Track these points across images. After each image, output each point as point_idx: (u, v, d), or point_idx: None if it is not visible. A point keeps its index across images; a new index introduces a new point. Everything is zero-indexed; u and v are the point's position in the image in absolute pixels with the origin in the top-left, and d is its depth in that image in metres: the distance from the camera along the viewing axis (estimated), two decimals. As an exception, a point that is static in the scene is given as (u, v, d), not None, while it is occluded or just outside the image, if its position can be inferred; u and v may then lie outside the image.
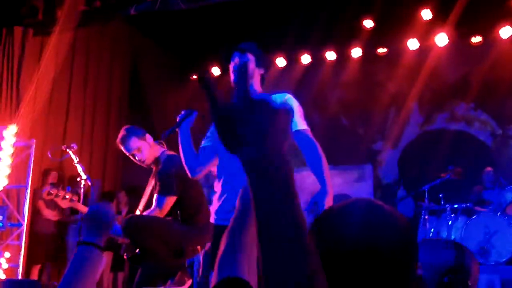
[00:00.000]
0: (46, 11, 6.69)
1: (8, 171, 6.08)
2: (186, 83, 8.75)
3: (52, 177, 6.60)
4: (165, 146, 3.97)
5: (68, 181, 6.32)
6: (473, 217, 6.13)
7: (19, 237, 6.11)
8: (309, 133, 2.96)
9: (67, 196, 3.97)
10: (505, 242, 5.83)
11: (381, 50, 8.34)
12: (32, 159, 6.26)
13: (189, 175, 3.13)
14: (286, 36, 7.70)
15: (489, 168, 6.84)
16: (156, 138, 3.96)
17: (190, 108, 3.21)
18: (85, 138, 7.62)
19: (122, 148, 3.90)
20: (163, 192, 3.75)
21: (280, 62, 8.64)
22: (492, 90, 7.76)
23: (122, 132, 3.89)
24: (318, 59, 8.57)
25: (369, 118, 8.53)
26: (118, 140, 3.89)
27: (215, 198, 3.06)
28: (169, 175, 3.72)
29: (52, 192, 3.91)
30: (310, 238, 0.89)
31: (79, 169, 4.32)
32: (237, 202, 1.27)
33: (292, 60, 8.64)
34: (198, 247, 3.89)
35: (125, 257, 3.84)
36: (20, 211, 6.22)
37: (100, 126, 7.94)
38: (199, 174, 3.15)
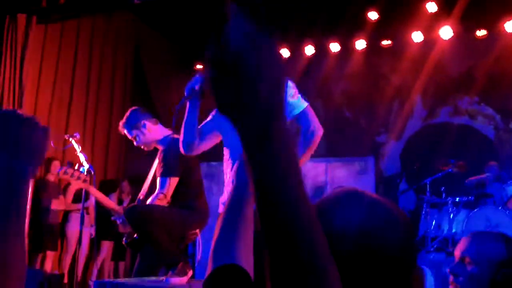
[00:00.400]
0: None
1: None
2: (190, 73, 8.73)
3: (55, 166, 6.61)
4: (171, 130, 3.96)
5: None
6: (475, 210, 6.14)
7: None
8: (308, 112, 2.96)
9: (81, 177, 4.06)
10: (506, 236, 5.83)
11: (386, 42, 8.32)
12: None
13: (184, 149, 3.06)
14: (290, 27, 7.68)
15: (493, 162, 6.84)
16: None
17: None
18: (87, 127, 7.62)
19: (124, 132, 3.94)
20: (166, 174, 3.77)
21: (284, 53, 8.61)
22: (496, 84, 7.73)
23: (124, 117, 3.95)
24: (322, 50, 8.55)
25: (373, 111, 8.51)
26: (119, 124, 3.94)
27: (226, 184, 3.05)
28: (172, 157, 3.73)
29: (68, 172, 4.04)
30: None
31: (82, 158, 4.33)
32: (232, 178, 1.21)
33: (296, 51, 8.61)
34: (197, 231, 3.95)
35: (123, 242, 3.86)
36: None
37: (103, 116, 7.93)
38: (194, 151, 3.11)
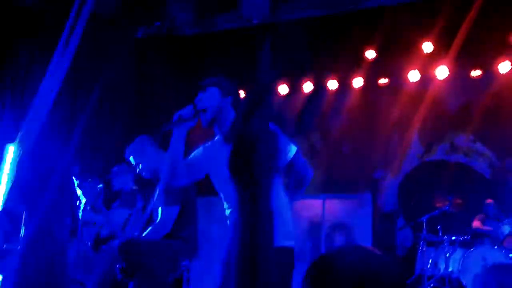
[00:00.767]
0: (55, 21, 6.77)
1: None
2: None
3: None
4: None
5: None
6: (471, 249, 6.15)
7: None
8: (299, 157, 3.01)
9: None
10: (502, 275, 5.82)
11: (383, 81, 8.45)
12: (32, 179, 6.27)
13: (169, 182, 3.03)
14: (289, 65, 7.81)
15: (490, 200, 6.87)
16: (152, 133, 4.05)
17: (196, 109, 2.97)
18: (86, 153, 7.63)
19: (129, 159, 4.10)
20: (169, 203, 3.81)
21: (283, 89, 8.73)
22: (491, 123, 7.83)
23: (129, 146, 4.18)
24: (320, 87, 8.67)
25: (370, 147, 8.59)
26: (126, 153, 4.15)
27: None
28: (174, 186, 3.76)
29: None
30: (305, 284, 0.97)
31: (79, 192, 4.37)
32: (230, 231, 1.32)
33: (295, 87, 8.74)
34: (188, 260, 3.98)
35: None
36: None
37: (104, 145, 7.98)
38: (180, 185, 3.10)
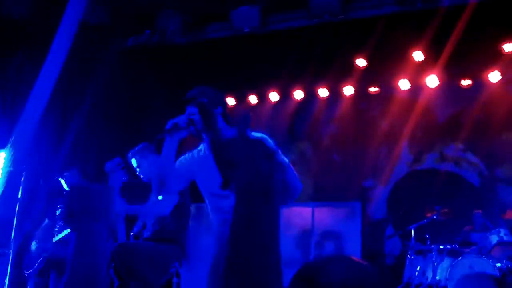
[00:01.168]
0: (45, 34, 6.80)
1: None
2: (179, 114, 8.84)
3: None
4: None
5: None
6: (459, 258, 6.17)
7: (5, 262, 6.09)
8: (291, 167, 3.03)
9: None
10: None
11: (373, 89, 8.49)
12: (23, 185, 6.28)
13: (159, 188, 3.07)
14: (280, 72, 7.85)
15: (478, 211, 6.91)
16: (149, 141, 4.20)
17: (191, 118, 2.97)
18: (77, 159, 7.63)
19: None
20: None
21: (273, 96, 8.76)
22: (481, 132, 7.89)
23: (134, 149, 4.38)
24: (311, 95, 8.71)
25: (361, 155, 8.62)
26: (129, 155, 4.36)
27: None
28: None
29: None
30: None
31: (70, 199, 4.37)
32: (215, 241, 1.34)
33: (285, 95, 8.77)
34: (178, 264, 4.05)
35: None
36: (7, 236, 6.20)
37: (94, 152, 7.97)
38: (170, 192, 3.15)
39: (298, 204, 6.84)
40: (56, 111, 7.40)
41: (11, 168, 6.33)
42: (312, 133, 8.77)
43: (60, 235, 4.79)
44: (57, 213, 5.18)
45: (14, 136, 6.49)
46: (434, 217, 6.52)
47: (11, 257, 6.11)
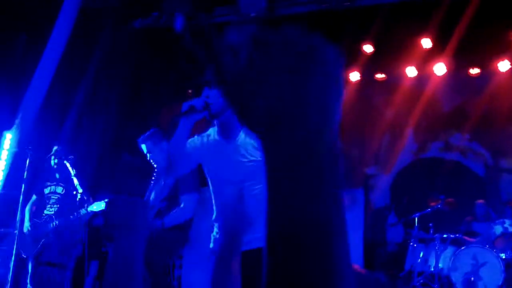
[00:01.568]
0: (47, 17, 6.76)
1: (1, 177, 6.10)
2: (184, 97, 8.81)
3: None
4: None
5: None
6: (462, 248, 6.17)
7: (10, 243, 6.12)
8: None
9: None
10: (492, 274, 5.87)
11: (380, 76, 8.42)
12: (28, 165, 6.28)
13: (163, 170, 3.07)
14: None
15: (480, 201, 6.89)
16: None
17: (207, 102, 2.92)
18: (80, 146, 7.62)
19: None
20: (187, 190, 4.03)
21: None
22: (488, 122, 7.84)
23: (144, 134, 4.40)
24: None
25: (364, 142, 8.58)
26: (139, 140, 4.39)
27: (214, 219, 3.09)
28: (191, 176, 3.91)
29: None
30: None
31: (76, 182, 4.37)
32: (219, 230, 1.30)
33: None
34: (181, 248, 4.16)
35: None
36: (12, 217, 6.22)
37: (97, 135, 7.96)
38: (180, 174, 3.12)
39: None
40: (59, 92, 7.37)
41: (17, 149, 6.33)
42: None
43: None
44: (46, 191, 5.18)
45: (19, 118, 6.48)
46: (439, 206, 6.50)
47: (16, 237, 6.14)
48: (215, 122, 3.05)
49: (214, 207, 3.07)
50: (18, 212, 6.22)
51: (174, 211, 4.14)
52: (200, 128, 3.08)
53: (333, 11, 6.96)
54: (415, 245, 6.63)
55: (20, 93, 6.58)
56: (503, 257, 5.94)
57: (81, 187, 4.63)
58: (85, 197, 4.46)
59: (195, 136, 3.15)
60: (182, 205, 4.13)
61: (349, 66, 8.26)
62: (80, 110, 7.73)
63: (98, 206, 4.59)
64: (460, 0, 6.65)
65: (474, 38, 6.99)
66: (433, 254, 6.44)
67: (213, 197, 3.09)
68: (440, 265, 6.30)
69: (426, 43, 7.52)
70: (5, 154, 6.16)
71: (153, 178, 4.56)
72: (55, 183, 5.10)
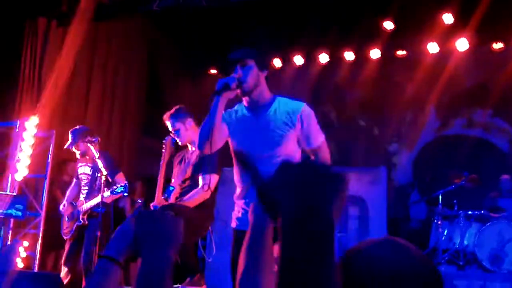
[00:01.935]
0: (69, 2, 6.78)
1: (28, 161, 6.18)
2: (202, 78, 8.81)
3: (70, 167, 6.69)
4: None
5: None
6: (487, 224, 6.13)
7: (37, 226, 6.21)
8: (322, 149, 3.02)
9: None
10: (518, 250, 5.84)
11: (401, 53, 8.30)
12: (52, 149, 6.35)
13: (201, 146, 3.02)
14: (305, 34, 7.70)
15: (506, 176, 6.81)
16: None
17: (239, 80, 2.95)
18: (102, 128, 7.70)
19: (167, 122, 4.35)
20: (210, 171, 4.07)
21: (298, 60, 8.63)
22: (511, 98, 7.71)
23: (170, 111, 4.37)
24: (336, 58, 8.56)
25: (386, 120, 8.52)
26: (166, 114, 4.36)
27: (236, 197, 3.11)
28: (215, 156, 3.95)
29: None
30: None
31: (100, 164, 4.41)
32: (250, 217, 1.29)
33: (310, 58, 8.63)
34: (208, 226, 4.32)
35: None
36: (38, 200, 6.32)
37: (117, 117, 8.02)
38: (210, 150, 3.10)
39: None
40: (81, 77, 7.43)
41: (41, 133, 6.41)
42: (337, 97, 8.67)
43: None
44: (79, 171, 5.24)
45: (42, 102, 6.55)
46: (462, 183, 6.45)
47: (42, 219, 6.25)
48: (244, 99, 3.08)
49: (240, 183, 3.08)
50: (43, 196, 6.33)
51: (195, 190, 4.16)
52: (226, 105, 3.10)
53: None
54: (439, 222, 6.59)
55: (42, 79, 6.64)
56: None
57: (105, 169, 4.67)
58: (109, 179, 4.51)
59: (224, 112, 3.16)
60: (203, 184, 4.15)
61: (369, 44, 8.17)
62: (101, 94, 7.79)
63: (120, 189, 4.65)
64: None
65: (497, 12, 6.85)
66: (457, 231, 6.41)
67: (238, 174, 3.10)
68: (465, 242, 6.27)
69: (448, 18, 7.39)
70: (30, 138, 6.24)
71: (174, 156, 4.61)
72: (84, 163, 5.18)
